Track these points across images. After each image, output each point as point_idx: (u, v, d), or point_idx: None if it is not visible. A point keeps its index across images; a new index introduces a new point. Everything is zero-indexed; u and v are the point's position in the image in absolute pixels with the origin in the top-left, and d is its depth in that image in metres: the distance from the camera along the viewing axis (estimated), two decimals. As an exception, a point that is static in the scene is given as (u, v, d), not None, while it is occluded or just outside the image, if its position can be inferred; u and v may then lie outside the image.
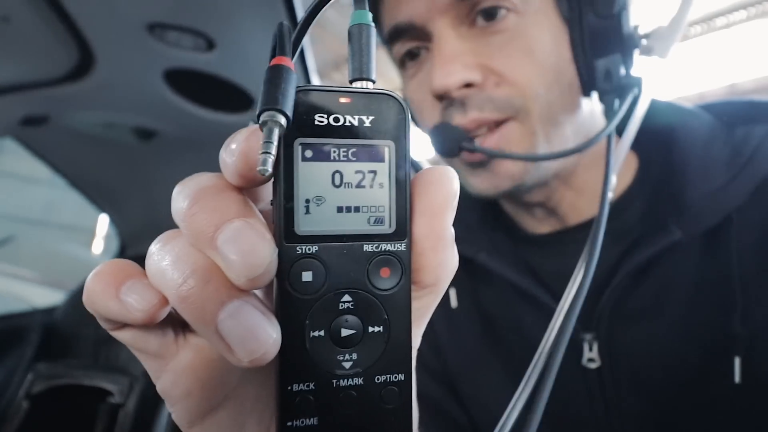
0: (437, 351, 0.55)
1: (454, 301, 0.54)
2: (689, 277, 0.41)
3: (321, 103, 0.19)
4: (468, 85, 0.41)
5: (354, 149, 0.19)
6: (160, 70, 0.83)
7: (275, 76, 0.17)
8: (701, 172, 0.41)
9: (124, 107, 0.97)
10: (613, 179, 0.39)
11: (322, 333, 0.18)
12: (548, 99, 0.41)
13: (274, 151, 0.16)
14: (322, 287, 0.18)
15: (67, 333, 1.17)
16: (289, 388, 0.18)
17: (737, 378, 0.37)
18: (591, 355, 0.43)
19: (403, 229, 0.19)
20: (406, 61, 0.46)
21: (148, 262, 0.19)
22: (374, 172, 0.19)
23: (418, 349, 0.61)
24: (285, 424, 0.18)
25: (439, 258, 0.20)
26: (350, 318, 0.19)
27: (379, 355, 0.19)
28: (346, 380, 0.19)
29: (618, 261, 0.43)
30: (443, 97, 0.42)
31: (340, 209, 0.19)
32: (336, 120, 0.19)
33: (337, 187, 0.19)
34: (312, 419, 0.18)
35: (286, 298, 0.18)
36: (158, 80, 0.86)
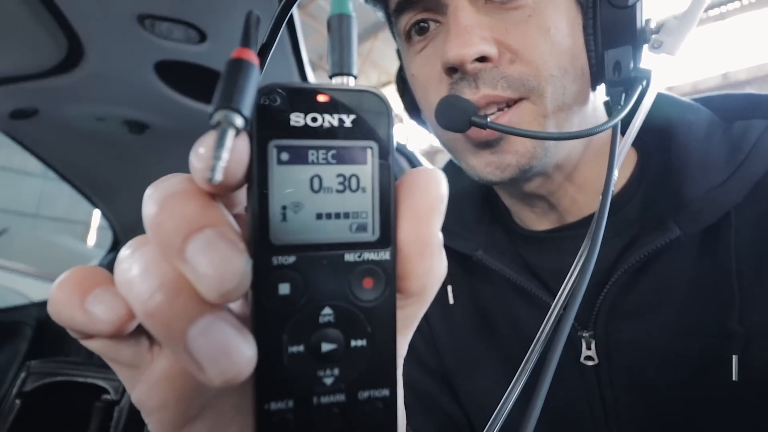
0: (433, 347, 0.55)
1: (451, 298, 0.53)
2: (687, 274, 0.41)
3: (297, 101, 0.17)
4: (482, 60, 0.39)
5: (334, 151, 0.17)
6: (150, 63, 0.82)
7: (233, 71, 0.16)
8: (700, 169, 0.41)
9: (114, 100, 0.95)
10: (615, 173, 0.39)
11: (301, 348, 0.17)
12: (562, 83, 0.40)
13: (226, 155, 0.15)
14: (300, 300, 0.17)
15: (62, 327, 1.16)
16: (266, 406, 0.17)
17: (735, 376, 0.37)
18: (589, 353, 0.43)
19: (387, 237, 0.18)
20: (412, 35, 0.45)
21: (116, 269, 0.17)
22: (356, 175, 0.18)
23: (414, 346, 0.61)
24: None
25: (426, 265, 0.18)
26: (331, 332, 0.17)
27: (363, 370, 0.18)
28: (327, 397, 0.17)
29: (616, 258, 0.42)
30: (454, 71, 0.41)
31: (319, 216, 0.17)
32: (314, 120, 0.17)
33: (316, 192, 0.17)
34: None
35: (262, 312, 0.17)
36: (149, 72, 0.85)
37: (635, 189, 0.45)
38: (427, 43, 0.44)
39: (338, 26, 0.19)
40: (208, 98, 0.98)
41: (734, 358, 0.37)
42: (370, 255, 0.18)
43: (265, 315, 0.17)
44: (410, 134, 8.73)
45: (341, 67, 0.19)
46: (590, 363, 0.43)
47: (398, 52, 0.53)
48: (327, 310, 0.17)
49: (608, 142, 0.48)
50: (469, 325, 0.52)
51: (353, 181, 0.18)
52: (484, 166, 0.43)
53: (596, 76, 0.42)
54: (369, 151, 0.18)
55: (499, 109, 0.41)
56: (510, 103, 0.40)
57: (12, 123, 0.98)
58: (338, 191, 0.18)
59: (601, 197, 0.37)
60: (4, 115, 0.94)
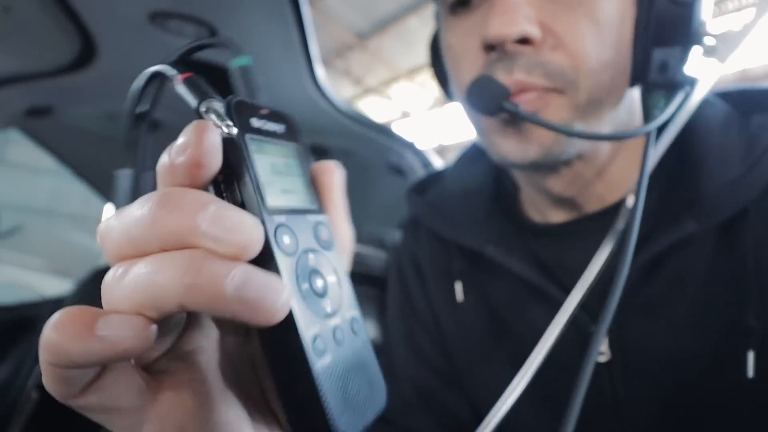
0: (441, 346, 0.55)
1: (460, 295, 0.53)
2: (703, 270, 0.40)
3: (253, 110, 0.22)
4: (524, 42, 0.38)
5: (280, 146, 0.23)
6: (161, 59, 0.82)
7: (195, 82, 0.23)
8: (717, 163, 0.40)
9: (127, 97, 0.96)
10: (645, 179, 0.38)
11: (307, 285, 0.21)
12: (601, 78, 0.39)
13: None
14: (297, 248, 0.22)
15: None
16: (307, 332, 0.20)
17: (750, 372, 0.37)
18: (601, 349, 0.42)
19: (320, 206, 0.25)
20: (457, 8, 0.44)
21: (116, 292, 0.18)
22: (294, 164, 0.24)
23: (419, 345, 0.61)
24: (311, 368, 0.20)
25: (341, 226, 0.25)
26: (318, 271, 0.22)
27: (340, 298, 0.23)
28: (332, 320, 0.22)
29: (618, 244, 0.42)
30: (493, 48, 0.39)
31: (284, 191, 0.22)
32: (264, 124, 0.23)
33: (277, 174, 0.22)
34: (327, 357, 0.21)
35: (279, 258, 0.20)
36: (161, 70, 0.85)
37: (652, 183, 0.44)
38: (468, 17, 0.42)
39: (244, 77, 0.24)
40: (218, 95, 0.99)
41: (750, 354, 0.37)
42: (319, 217, 0.24)
43: (281, 260, 0.20)
44: (420, 133, 8.71)
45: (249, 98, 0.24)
46: (602, 359, 0.43)
47: (436, 15, 0.51)
48: (311, 255, 0.22)
49: (639, 139, 0.46)
50: (479, 323, 0.52)
51: (294, 167, 0.24)
52: (509, 146, 0.42)
53: (639, 73, 0.40)
54: (298, 149, 0.25)
55: (526, 91, 0.39)
56: (542, 91, 0.39)
57: (27, 120, 1.00)
58: (288, 174, 0.23)
59: (632, 197, 0.37)
60: (19, 113, 0.96)
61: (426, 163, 1.11)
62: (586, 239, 0.46)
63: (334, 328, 0.22)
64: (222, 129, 0.21)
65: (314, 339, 0.20)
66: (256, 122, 0.22)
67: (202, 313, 0.23)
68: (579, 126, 0.40)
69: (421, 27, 6.45)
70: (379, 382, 0.24)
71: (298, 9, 0.68)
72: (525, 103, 0.39)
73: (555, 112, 0.39)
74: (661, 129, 0.43)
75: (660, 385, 0.41)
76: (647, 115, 0.48)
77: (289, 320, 0.20)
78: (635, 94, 0.45)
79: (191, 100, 0.22)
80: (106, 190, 1.32)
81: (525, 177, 0.50)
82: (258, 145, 0.22)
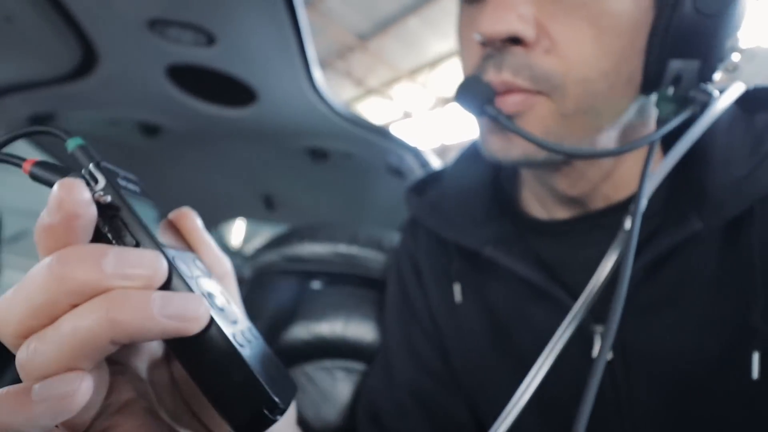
0: (440, 349, 0.54)
1: (458, 296, 0.52)
2: (708, 268, 0.39)
3: (115, 173, 0.25)
4: (515, 41, 0.36)
5: (141, 203, 0.26)
6: (162, 66, 0.83)
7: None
8: (723, 161, 0.39)
9: (128, 104, 0.98)
10: (644, 201, 0.38)
11: (210, 301, 0.24)
12: (596, 87, 0.37)
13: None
14: (192, 275, 0.25)
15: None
16: (228, 330, 0.23)
17: (755, 374, 0.36)
18: (601, 348, 0.42)
19: (187, 245, 0.29)
20: None
21: (38, 361, 0.20)
22: (153, 216, 0.26)
23: (416, 348, 0.61)
24: (242, 355, 0.23)
25: (218, 255, 0.31)
26: (211, 293, 0.25)
27: (234, 312, 0.27)
28: (237, 325, 0.25)
29: (636, 251, 0.40)
30: (486, 45, 0.38)
31: (157, 234, 0.24)
32: (126, 183, 0.25)
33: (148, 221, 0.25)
34: (247, 348, 0.24)
35: (189, 280, 0.23)
36: (161, 76, 0.86)
37: (660, 184, 0.43)
38: (479, 5, 0.40)
39: (85, 153, 0.26)
40: (217, 100, 1.00)
41: (755, 355, 0.36)
42: (191, 254, 0.27)
43: (190, 283, 0.23)
44: (422, 133, 8.70)
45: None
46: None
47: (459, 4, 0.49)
48: (202, 281, 0.26)
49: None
50: (478, 325, 0.51)
51: (153, 219, 0.26)
52: (495, 144, 0.41)
53: (651, 83, 0.38)
54: (152, 205, 0.27)
55: (512, 92, 0.38)
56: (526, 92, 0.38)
57: (29, 128, 1.01)
58: (153, 223, 0.25)
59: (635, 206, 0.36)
60: (22, 120, 0.97)
61: (425, 164, 1.11)
62: (590, 238, 0.45)
63: (241, 330, 0.25)
64: (94, 187, 0.23)
65: (233, 335, 0.23)
66: (121, 181, 0.25)
67: (127, 359, 0.26)
68: (567, 133, 0.39)
69: (422, 27, 6.45)
70: (285, 371, 0.27)
71: (294, 14, 0.68)
72: (509, 105, 0.38)
73: (538, 117, 0.38)
74: (674, 137, 0.42)
75: (663, 385, 0.40)
76: (661, 119, 0.45)
77: (212, 323, 0.22)
78: (652, 98, 0.42)
79: (52, 178, 0.23)
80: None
81: (530, 172, 0.49)
82: (130, 197, 0.24)
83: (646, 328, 0.41)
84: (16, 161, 0.24)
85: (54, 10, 0.68)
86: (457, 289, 0.53)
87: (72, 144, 0.25)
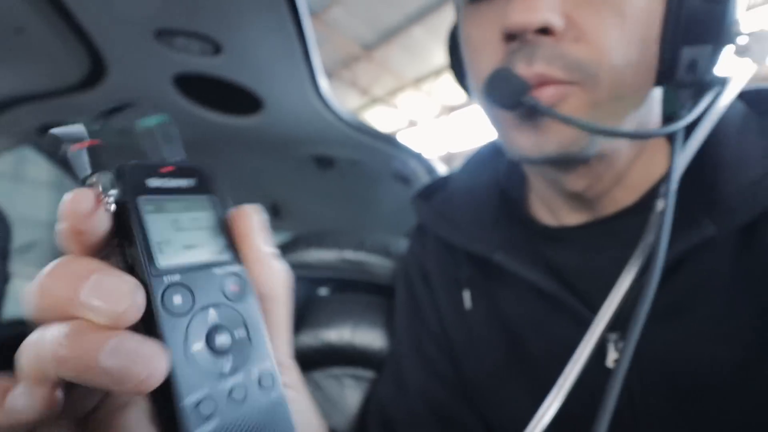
0: (450, 355, 0.54)
1: (468, 303, 0.52)
2: (723, 274, 0.38)
3: (151, 170, 0.23)
4: (545, 32, 0.37)
5: (185, 202, 0.24)
6: (169, 76, 0.84)
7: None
8: (736, 164, 0.39)
9: (136, 113, 0.98)
10: (674, 184, 0.37)
11: (201, 345, 0.21)
12: (624, 74, 0.37)
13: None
14: (193, 307, 0.22)
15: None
16: (186, 400, 0.20)
17: None
18: (616, 356, 0.40)
19: (235, 255, 0.25)
20: None
21: (22, 356, 0.20)
22: (203, 218, 0.24)
23: (427, 356, 0.60)
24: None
25: (266, 270, 0.25)
26: (221, 326, 0.22)
27: (248, 352, 0.23)
28: (231, 379, 0.22)
29: (648, 256, 0.40)
30: (513, 38, 0.38)
31: (186, 247, 0.23)
32: (166, 182, 0.23)
33: (179, 231, 0.23)
34: (213, 422, 0.20)
35: (165, 321, 0.20)
36: (168, 85, 0.87)
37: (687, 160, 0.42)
38: (490, 6, 0.41)
39: (150, 137, 0.25)
40: (224, 109, 1.01)
41: None
42: (229, 268, 0.24)
43: (168, 322, 0.21)
44: (428, 141, 8.72)
45: (173, 156, 0.25)
46: (615, 366, 0.42)
47: (456, 6, 0.49)
48: (212, 312, 0.22)
49: (659, 139, 0.45)
50: (489, 332, 0.50)
51: (202, 221, 0.24)
52: (525, 142, 0.40)
53: (666, 72, 0.38)
54: (209, 200, 0.25)
55: (546, 84, 0.38)
56: (561, 83, 0.38)
57: (41, 138, 1.02)
58: (195, 229, 0.24)
59: (662, 197, 0.35)
60: (32, 131, 0.98)
61: (431, 171, 1.11)
62: (601, 244, 0.44)
63: (231, 387, 0.21)
64: (108, 198, 0.21)
65: (198, 403, 0.20)
66: (154, 182, 0.22)
67: None
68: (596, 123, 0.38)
69: (426, 36, 6.49)
70: None
71: (299, 23, 0.69)
72: (546, 97, 0.37)
73: (574, 107, 0.37)
74: (686, 132, 0.41)
75: (679, 394, 0.39)
76: (667, 116, 0.46)
77: (166, 386, 0.20)
78: (656, 93, 0.43)
79: (82, 169, 0.22)
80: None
81: (540, 175, 0.48)
82: (156, 205, 0.22)
83: (661, 336, 0.40)
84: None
85: (64, 21, 0.69)
86: (466, 295, 0.52)
87: (143, 124, 0.24)
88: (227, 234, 0.25)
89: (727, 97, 0.40)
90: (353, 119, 0.98)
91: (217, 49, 0.76)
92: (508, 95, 0.37)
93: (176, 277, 0.21)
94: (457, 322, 0.53)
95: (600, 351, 0.41)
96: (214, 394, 0.21)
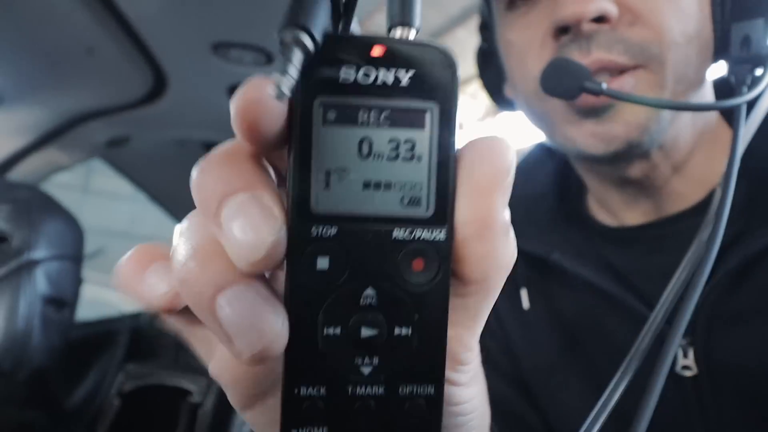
0: (509, 352, 0.53)
1: (525, 302, 0.51)
2: None
3: (349, 53, 0.15)
4: (600, 20, 0.36)
5: (388, 112, 0.15)
6: (224, 87, 0.88)
7: None
8: None
9: (194, 124, 1.03)
10: (736, 165, 0.35)
11: (338, 331, 0.15)
12: (686, 52, 0.37)
13: (295, 74, 0.13)
14: (340, 277, 0.15)
15: (151, 336, 1.27)
16: (296, 391, 0.15)
17: None
18: (686, 362, 0.39)
19: (443, 213, 0.16)
20: (517, 2, 0.42)
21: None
22: (412, 141, 0.16)
23: (486, 348, 0.59)
24: (289, 431, 0.15)
25: (486, 248, 0.16)
26: (373, 316, 0.16)
27: (406, 361, 0.16)
28: (363, 388, 0.16)
29: (718, 256, 0.38)
30: (565, 31, 0.37)
31: (367, 185, 0.15)
32: (366, 75, 0.15)
33: (365, 158, 0.15)
34: (320, 429, 0.16)
35: (297, 287, 0.15)
36: (223, 96, 0.91)
37: (739, 178, 0.40)
38: (531, 8, 0.41)
39: None
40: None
41: None
42: (422, 233, 0.16)
43: (301, 291, 0.15)
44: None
45: (402, 17, 0.16)
46: (688, 373, 0.39)
47: (482, 27, 0.50)
48: (370, 291, 0.16)
49: (718, 128, 0.43)
50: (547, 332, 0.49)
51: (408, 147, 0.16)
52: (586, 137, 0.39)
53: (720, 50, 0.38)
54: (428, 114, 0.16)
55: (611, 75, 0.37)
56: (624, 70, 0.37)
57: (108, 150, 1.09)
58: (390, 158, 0.15)
59: (720, 189, 0.33)
60: (101, 144, 1.06)
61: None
62: (664, 244, 0.43)
63: (358, 397, 0.16)
64: (281, 88, 0.14)
65: (305, 400, 0.15)
66: (348, 73, 0.15)
67: None
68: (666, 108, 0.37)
69: (470, 38, 6.40)
70: None
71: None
72: (617, 85, 0.36)
73: (643, 91, 0.37)
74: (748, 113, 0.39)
75: (753, 402, 0.37)
76: (721, 97, 0.44)
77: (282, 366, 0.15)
78: (708, 75, 0.42)
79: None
80: (178, 213, 1.42)
81: (595, 174, 0.47)
82: (342, 111, 0.15)
83: (735, 341, 0.38)
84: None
85: (130, 40, 0.74)
86: (524, 294, 0.51)
87: None
88: (444, 175, 0.16)
89: None
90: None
91: (269, 59, 0.79)
92: (568, 83, 0.36)
93: (332, 231, 0.15)
94: (515, 321, 0.52)
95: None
96: (332, 398, 0.16)
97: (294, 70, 0.14)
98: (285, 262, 0.15)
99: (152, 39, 0.74)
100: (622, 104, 0.37)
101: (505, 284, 0.57)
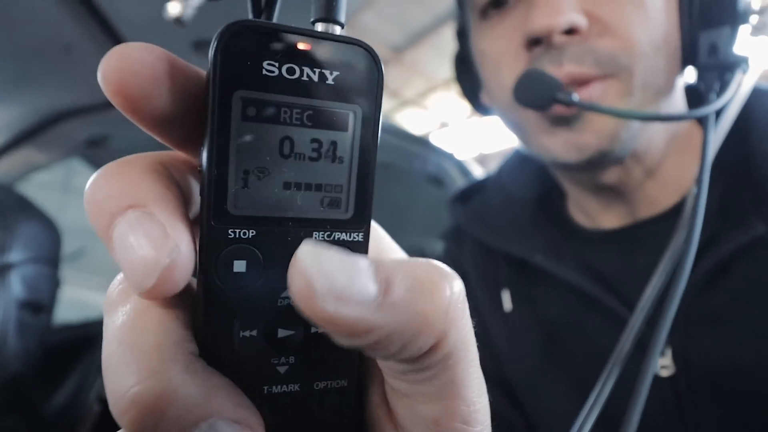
0: (493, 355, 0.53)
1: (508, 304, 0.51)
2: None
3: (273, 46, 0.14)
4: (570, 32, 0.37)
5: (311, 111, 0.15)
6: (206, 85, 0.87)
7: None
8: None
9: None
10: (707, 169, 0.36)
11: (254, 333, 0.15)
12: (655, 62, 0.38)
13: None
14: (258, 280, 0.15)
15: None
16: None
17: None
18: (663, 362, 0.39)
19: (362, 215, 0.16)
20: (489, 10, 0.43)
21: None
22: (334, 142, 0.15)
23: None
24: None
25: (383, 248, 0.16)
26: (289, 317, 0.15)
27: (321, 358, 0.16)
28: (279, 387, 0.15)
29: (694, 258, 0.40)
30: (537, 43, 0.38)
31: (287, 186, 0.15)
32: (291, 71, 0.14)
33: (286, 157, 0.15)
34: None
35: (213, 290, 0.14)
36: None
37: (712, 181, 0.41)
38: (504, 17, 0.41)
39: None
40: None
41: None
42: (341, 235, 0.16)
43: (216, 294, 0.14)
44: (460, 142, 8.66)
45: (328, 11, 0.15)
46: (665, 373, 0.40)
47: (458, 33, 0.51)
48: (286, 293, 0.15)
49: (690, 132, 0.44)
50: (529, 334, 0.50)
51: (330, 148, 0.15)
52: (560, 146, 0.40)
53: (688, 58, 0.39)
54: (352, 116, 0.15)
55: (580, 84, 0.38)
56: (593, 79, 0.38)
57: (87, 149, 1.07)
58: (311, 159, 0.15)
59: (697, 188, 0.34)
60: (79, 143, 1.03)
61: (465, 173, 1.10)
62: (641, 246, 0.43)
63: (275, 395, 0.15)
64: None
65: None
66: (272, 67, 0.14)
67: None
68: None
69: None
70: None
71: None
72: (585, 95, 0.37)
73: (610, 101, 0.37)
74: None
75: (730, 401, 0.38)
76: (692, 103, 0.45)
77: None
78: (679, 82, 0.43)
79: None
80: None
81: (571, 180, 0.48)
82: (259, 109, 0.14)
83: (711, 340, 0.38)
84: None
85: (108, 37, 0.72)
86: (506, 296, 0.52)
87: None
88: (364, 176, 0.16)
89: (752, 77, 0.39)
90: (385, 122, 0.98)
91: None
92: (540, 94, 0.37)
93: (249, 233, 0.14)
94: (498, 324, 0.53)
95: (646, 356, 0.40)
96: (249, 398, 0.15)
97: None
98: (198, 264, 0.14)
99: (131, 36, 0.72)
100: (591, 114, 0.38)
101: (486, 287, 0.57)
